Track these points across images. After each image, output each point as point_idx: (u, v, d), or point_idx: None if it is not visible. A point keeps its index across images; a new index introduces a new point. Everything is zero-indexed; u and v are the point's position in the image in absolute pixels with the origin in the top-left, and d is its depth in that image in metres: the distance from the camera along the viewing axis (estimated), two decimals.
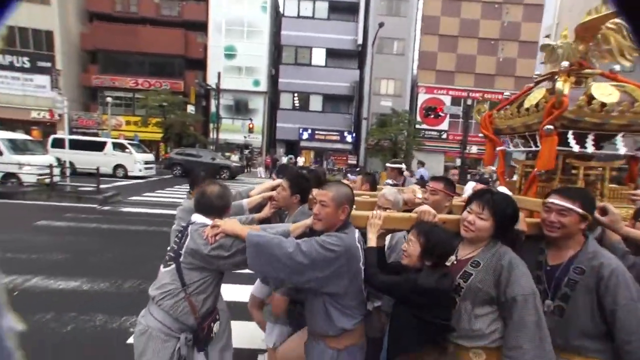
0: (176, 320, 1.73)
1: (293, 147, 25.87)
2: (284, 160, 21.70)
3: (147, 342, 1.71)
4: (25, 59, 23.57)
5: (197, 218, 1.82)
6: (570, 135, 1.92)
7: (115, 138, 18.64)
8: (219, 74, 23.16)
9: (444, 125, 25.31)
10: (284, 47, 26.01)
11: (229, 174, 17.97)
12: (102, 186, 10.13)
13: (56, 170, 10.20)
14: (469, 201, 1.68)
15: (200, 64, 26.17)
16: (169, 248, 1.88)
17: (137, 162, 15.49)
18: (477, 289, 1.53)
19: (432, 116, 24.87)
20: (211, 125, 24.78)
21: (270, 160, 22.39)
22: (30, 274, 4.34)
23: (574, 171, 2.01)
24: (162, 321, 1.72)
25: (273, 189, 2.50)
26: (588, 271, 1.49)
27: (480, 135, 2.67)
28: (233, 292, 3.70)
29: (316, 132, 25.58)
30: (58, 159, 11.37)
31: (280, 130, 26.14)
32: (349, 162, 24.84)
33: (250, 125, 25.23)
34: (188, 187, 2.94)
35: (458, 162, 20.83)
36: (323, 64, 25.86)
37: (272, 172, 18.55)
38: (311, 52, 25.78)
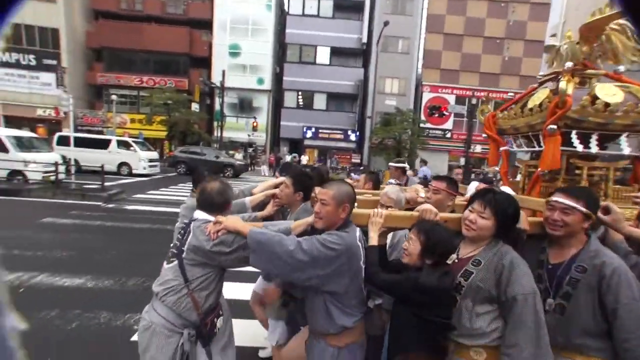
0: (179, 316, 1.75)
1: (297, 146, 25.89)
2: (288, 158, 21.72)
3: (150, 338, 1.74)
4: (32, 56, 23.71)
5: (199, 215, 1.84)
6: (573, 135, 1.92)
7: (120, 136, 18.74)
8: (223, 72, 23.20)
9: (448, 125, 25.21)
10: (288, 46, 26.01)
11: (233, 172, 18.02)
12: (106, 184, 10.20)
13: (61, 168, 10.28)
14: (471, 200, 1.69)
15: (204, 62, 26.21)
16: (171, 245, 1.89)
17: (141, 160, 15.56)
18: (478, 288, 1.53)
19: (437, 115, 24.78)
20: (215, 124, 24.83)
21: (274, 158, 22.42)
22: (36, 271, 4.38)
23: (577, 171, 2.01)
24: (165, 317, 1.74)
25: (276, 186, 2.51)
26: (590, 269, 1.49)
27: (484, 135, 2.67)
28: (234, 290, 3.71)
29: (320, 130, 25.58)
30: (63, 157, 11.46)
31: (284, 128, 26.17)
32: (353, 160, 24.81)
33: (254, 124, 25.26)
34: (192, 185, 2.96)
35: (462, 161, 20.74)
36: (327, 62, 25.84)
37: (275, 170, 18.58)
38: (316, 51, 25.75)
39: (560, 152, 1.91)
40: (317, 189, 1.82)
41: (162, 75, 25.85)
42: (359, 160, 24.58)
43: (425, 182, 3.85)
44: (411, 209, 2.03)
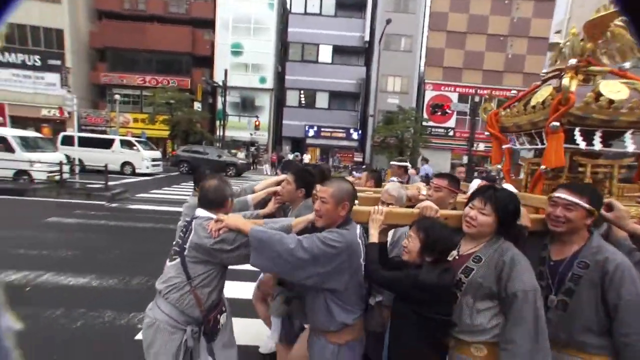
0: (182, 313, 1.77)
1: (299, 145, 25.90)
2: (290, 157, 21.75)
3: (154, 334, 1.76)
4: (37, 57, 23.89)
5: (201, 213, 1.86)
6: (577, 133, 1.91)
7: (123, 135, 18.82)
8: (225, 71, 23.25)
9: (451, 123, 25.13)
10: (290, 44, 25.99)
11: (235, 171, 18.06)
12: (110, 183, 10.24)
13: (66, 168, 10.33)
14: (471, 197, 1.68)
15: (207, 62, 26.27)
16: (174, 243, 1.91)
17: (144, 159, 15.62)
18: (478, 284, 1.53)
19: (439, 113, 24.68)
20: (217, 123, 24.85)
21: (276, 157, 22.44)
22: (41, 270, 4.42)
23: (581, 169, 1.99)
24: (168, 314, 1.76)
25: (277, 184, 2.52)
26: (592, 266, 1.48)
27: (487, 133, 2.66)
28: (235, 289, 3.73)
29: (322, 129, 25.57)
30: (67, 156, 11.52)
31: (286, 127, 26.18)
32: (355, 159, 24.80)
33: (257, 123, 25.31)
34: (193, 185, 2.97)
35: (465, 159, 20.68)
36: (329, 61, 25.81)
37: (277, 169, 18.61)
38: (318, 49, 25.72)
39: (564, 150, 1.90)
40: (318, 187, 1.82)
41: (164, 74, 25.93)
42: (361, 159, 24.56)
43: (426, 180, 3.85)
44: (413, 207, 2.02)
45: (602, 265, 1.46)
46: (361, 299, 1.82)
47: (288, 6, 27.39)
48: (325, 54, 25.76)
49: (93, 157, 14.29)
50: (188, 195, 7.19)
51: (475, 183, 2.48)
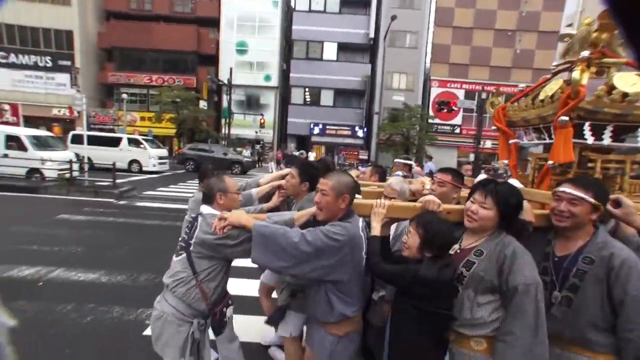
0: (189, 306, 1.82)
1: (304, 142, 25.87)
2: (295, 155, 21.74)
3: (162, 327, 1.82)
4: (48, 58, 24.38)
5: (205, 209, 1.91)
6: (586, 127, 1.87)
7: (131, 134, 19.00)
8: (230, 69, 23.31)
9: (457, 120, 24.90)
10: (295, 42, 25.93)
11: (241, 169, 18.14)
12: (118, 181, 10.36)
13: (75, 166, 10.48)
14: (472, 191, 1.67)
15: (212, 60, 26.34)
16: (180, 238, 1.96)
17: (151, 157, 15.77)
18: (479, 278, 1.52)
19: (445, 110, 24.45)
20: (223, 121, 24.97)
21: (281, 155, 22.48)
22: (53, 266, 4.51)
23: (590, 164, 1.95)
24: (175, 307, 1.82)
25: (282, 177, 2.54)
26: (598, 261, 1.46)
27: (493, 128, 2.63)
28: (239, 286, 3.76)
29: (327, 127, 25.52)
30: (77, 155, 11.68)
31: (291, 125, 26.17)
32: (360, 157, 24.73)
33: (262, 121, 25.36)
34: (198, 181, 3.03)
35: (472, 157, 20.52)
36: (334, 58, 25.69)
37: (281, 165, 18.62)
38: (322, 47, 25.61)
39: (572, 145, 1.87)
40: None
41: (170, 73, 26.08)
42: (366, 157, 24.48)
43: (430, 176, 3.86)
44: (415, 201, 2.03)
45: (607, 261, 1.44)
46: (362, 292, 1.84)
47: (292, 4, 27.28)
48: (330, 51, 25.65)
49: (101, 155, 14.48)
50: (194, 192, 7.23)
51: (482, 177, 2.47)
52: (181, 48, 25.78)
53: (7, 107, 23.31)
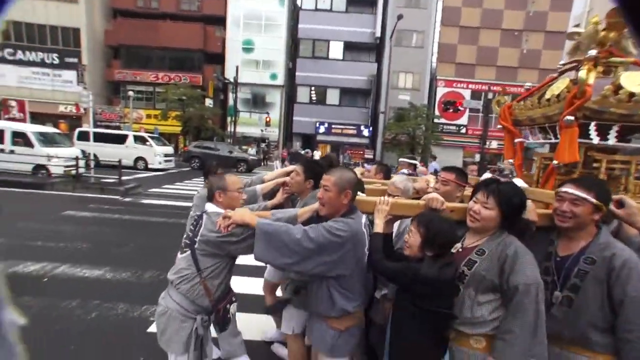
0: (193, 302, 1.85)
1: (310, 141, 25.88)
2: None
3: (167, 322, 1.85)
4: (55, 55, 24.63)
5: (209, 207, 1.93)
6: (592, 127, 1.86)
7: (137, 131, 19.09)
8: (236, 67, 23.37)
9: (463, 120, 24.76)
10: (301, 41, 25.91)
11: (246, 167, 18.18)
12: (123, 178, 10.41)
13: (81, 162, 10.56)
14: (475, 190, 1.67)
15: (218, 58, 26.43)
16: (184, 235, 1.99)
17: (157, 154, 15.84)
18: (481, 277, 1.52)
19: (451, 110, 24.35)
20: (229, 119, 25.07)
21: (286, 153, 22.50)
22: (58, 262, 4.54)
23: (595, 165, 1.94)
24: (179, 303, 1.85)
25: (287, 174, 2.55)
26: (599, 262, 1.46)
27: (499, 126, 2.62)
28: (242, 284, 3.77)
29: (333, 126, 25.49)
30: (83, 151, 11.76)
31: (296, 123, 26.19)
32: (366, 156, 24.67)
33: (267, 119, 25.39)
34: (203, 177, 3.05)
35: (477, 157, 20.38)
36: (340, 57, 25.65)
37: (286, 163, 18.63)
38: (329, 46, 25.58)
39: (578, 145, 1.85)
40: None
41: (177, 71, 26.24)
42: (371, 156, 24.42)
43: (435, 176, 3.85)
44: (419, 199, 2.03)
45: (609, 261, 1.44)
46: (363, 288, 1.85)
47: (299, 2, 27.29)
48: (336, 50, 25.61)
49: (107, 152, 14.56)
50: (199, 189, 7.26)
51: (486, 176, 2.46)
52: (187, 46, 25.90)
53: (14, 103, 23.55)
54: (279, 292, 3.02)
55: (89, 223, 6.64)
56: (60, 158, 10.54)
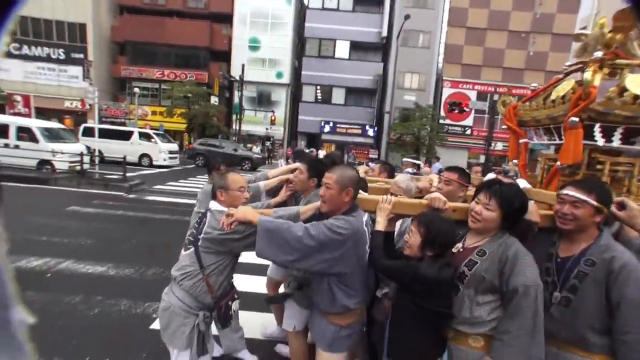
0: (195, 299, 1.88)
1: (314, 140, 25.88)
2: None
3: (170, 318, 1.88)
4: (61, 50, 24.74)
5: (213, 205, 1.95)
6: (596, 129, 1.85)
7: (142, 128, 19.18)
8: (242, 65, 23.39)
9: (469, 121, 24.64)
10: (307, 40, 25.90)
11: (251, 165, 18.20)
12: (128, 174, 10.45)
13: (86, 158, 10.61)
14: (477, 191, 1.67)
15: (224, 56, 26.49)
16: (188, 232, 2.02)
17: (161, 151, 15.88)
18: (481, 278, 1.53)
19: (457, 111, 24.25)
20: (234, 117, 25.09)
21: (291, 152, 22.50)
22: (62, 257, 4.57)
23: (599, 166, 1.93)
24: (182, 299, 1.87)
25: (291, 172, 2.56)
26: (599, 264, 1.47)
27: (504, 127, 2.61)
28: (245, 282, 3.77)
29: (338, 125, 25.47)
30: (88, 147, 11.83)
31: (302, 122, 26.19)
32: (370, 156, 24.62)
33: (272, 117, 25.41)
34: (207, 173, 3.06)
35: (482, 159, 20.29)
36: (346, 56, 25.60)
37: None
38: (335, 45, 25.55)
39: (582, 146, 1.86)
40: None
41: (183, 68, 26.32)
42: (376, 156, 24.37)
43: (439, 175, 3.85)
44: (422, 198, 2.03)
45: (608, 264, 1.44)
46: (364, 285, 1.87)
47: (306, 1, 27.28)
48: (342, 49, 25.57)
49: (112, 148, 14.64)
50: (203, 185, 7.27)
51: (490, 176, 2.45)
52: (194, 43, 25.97)
53: (19, 98, 23.58)
54: (282, 290, 3.02)
55: (93, 219, 6.67)
56: (65, 154, 10.57)
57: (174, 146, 17.46)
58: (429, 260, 1.58)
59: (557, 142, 2.06)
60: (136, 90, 20.43)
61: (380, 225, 1.76)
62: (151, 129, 19.77)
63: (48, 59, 24.71)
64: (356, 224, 1.73)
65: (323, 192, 1.79)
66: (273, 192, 2.64)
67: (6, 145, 10.24)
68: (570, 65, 2.21)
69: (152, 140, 16.03)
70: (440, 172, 6.94)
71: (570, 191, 1.55)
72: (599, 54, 1.86)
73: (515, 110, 2.41)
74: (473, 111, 23.77)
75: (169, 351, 1.94)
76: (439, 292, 1.54)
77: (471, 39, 24.14)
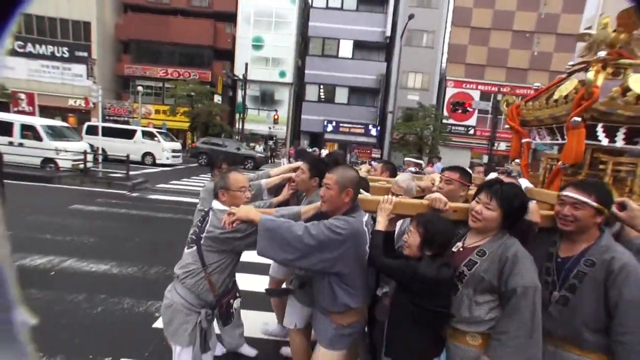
0: (197, 297, 1.90)
1: (317, 139, 25.88)
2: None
3: (172, 315, 1.91)
4: (65, 48, 24.82)
5: (215, 205, 1.97)
6: (599, 128, 1.85)
7: (145, 126, 19.24)
8: (246, 64, 23.40)
9: (472, 121, 24.56)
10: (311, 39, 25.91)
11: (254, 164, 18.22)
12: (131, 173, 10.52)
13: (89, 157, 10.66)
14: (478, 191, 1.68)
15: (228, 55, 26.51)
16: (191, 230, 2.04)
17: (165, 150, 15.92)
18: (480, 278, 1.54)
19: (460, 111, 24.18)
20: (237, 116, 25.16)
21: (294, 151, 22.49)
22: (65, 256, 4.58)
23: (602, 166, 1.93)
24: (184, 297, 1.89)
25: (293, 170, 2.57)
26: (598, 264, 1.47)
27: (506, 126, 2.61)
28: (247, 282, 3.77)
29: (341, 124, 25.46)
30: (91, 146, 11.85)
31: (304, 122, 26.20)
32: (373, 155, 24.58)
33: (276, 117, 25.43)
34: (210, 172, 3.07)
35: (485, 159, 20.22)
36: (350, 56, 25.57)
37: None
38: (338, 44, 25.52)
39: (584, 146, 1.85)
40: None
41: (186, 67, 26.36)
42: (379, 156, 24.33)
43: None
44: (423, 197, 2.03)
45: (607, 264, 1.45)
46: (365, 285, 1.89)
47: (309, 0, 27.24)
48: (346, 48, 25.54)
49: (115, 147, 14.69)
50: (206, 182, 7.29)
51: (492, 175, 2.45)
52: (197, 42, 26.01)
53: (23, 96, 23.58)
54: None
55: (96, 217, 6.70)
56: (68, 152, 10.61)
57: (177, 145, 17.50)
58: (427, 260, 1.59)
59: (560, 142, 2.06)
60: (140, 88, 20.50)
61: (381, 225, 1.76)
62: (154, 127, 19.83)
63: (52, 57, 24.80)
64: (356, 224, 1.75)
65: (323, 192, 1.81)
66: (275, 190, 2.65)
67: (10, 143, 10.27)
68: (573, 65, 2.21)
69: (155, 138, 16.07)
70: (442, 171, 6.99)
71: (570, 192, 1.55)
72: (602, 53, 1.86)
73: (518, 109, 2.41)
74: (476, 111, 23.68)
75: (172, 349, 1.95)
76: (438, 292, 1.55)
77: (475, 39, 24.05)
